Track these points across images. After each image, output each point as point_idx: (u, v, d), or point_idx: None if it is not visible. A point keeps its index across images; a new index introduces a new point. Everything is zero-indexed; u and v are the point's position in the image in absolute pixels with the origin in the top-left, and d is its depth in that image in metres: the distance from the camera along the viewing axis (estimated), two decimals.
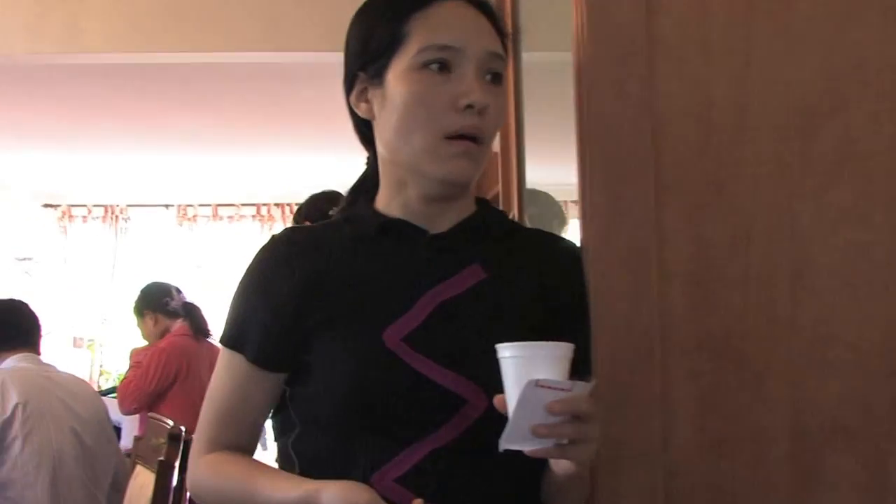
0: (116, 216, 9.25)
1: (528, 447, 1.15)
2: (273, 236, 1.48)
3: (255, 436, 1.47)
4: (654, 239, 1.44)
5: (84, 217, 9.30)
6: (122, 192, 9.11)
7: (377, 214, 1.43)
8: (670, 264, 1.45)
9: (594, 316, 1.42)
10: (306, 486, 1.27)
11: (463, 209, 1.44)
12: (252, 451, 1.48)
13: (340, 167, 3.07)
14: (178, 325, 4.50)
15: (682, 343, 1.44)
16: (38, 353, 3.40)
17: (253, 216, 9.24)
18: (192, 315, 4.58)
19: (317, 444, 1.39)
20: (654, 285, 1.44)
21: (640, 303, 1.43)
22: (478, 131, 1.35)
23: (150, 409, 4.14)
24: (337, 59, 1.48)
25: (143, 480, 2.66)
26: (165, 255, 8.95)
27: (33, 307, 3.44)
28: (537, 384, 1.11)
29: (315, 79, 5.00)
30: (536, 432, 1.12)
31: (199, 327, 4.55)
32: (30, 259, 8.47)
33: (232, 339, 1.44)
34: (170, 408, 4.09)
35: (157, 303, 4.55)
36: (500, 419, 1.15)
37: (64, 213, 9.28)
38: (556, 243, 1.53)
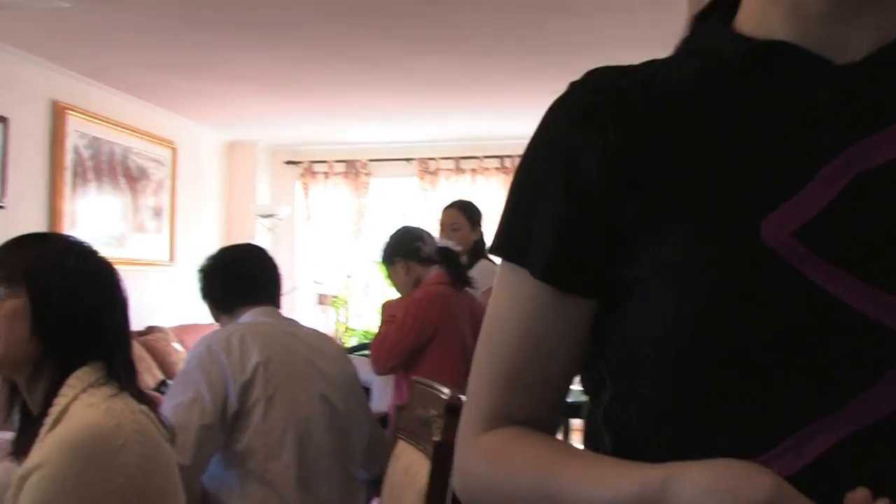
0: (358, 172, 9.14)
1: None
2: (573, 83, 0.97)
3: (556, 402, 0.98)
4: None
5: (326, 173, 9.23)
6: (363, 148, 9.02)
7: (742, 38, 0.91)
8: None
9: None
10: (647, 475, 0.78)
11: (888, 24, 0.87)
12: (554, 427, 0.99)
13: None
14: (434, 272, 3.99)
15: None
16: (279, 307, 3.03)
17: (497, 168, 8.92)
18: (449, 261, 4.07)
19: (643, 413, 0.89)
20: None
21: None
22: None
23: (407, 370, 3.73)
24: None
25: (408, 461, 2.25)
26: (408, 211, 8.74)
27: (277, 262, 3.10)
28: None
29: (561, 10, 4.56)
30: None
31: (457, 274, 4.03)
32: (273, 216, 8.43)
33: (509, 245, 0.96)
34: (426, 368, 3.64)
35: (409, 248, 4.06)
36: None
37: (306, 169, 9.25)
38: None
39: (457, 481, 1.01)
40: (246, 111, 7.66)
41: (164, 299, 7.30)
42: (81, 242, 1.86)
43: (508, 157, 8.75)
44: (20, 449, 1.72)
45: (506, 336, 0.95)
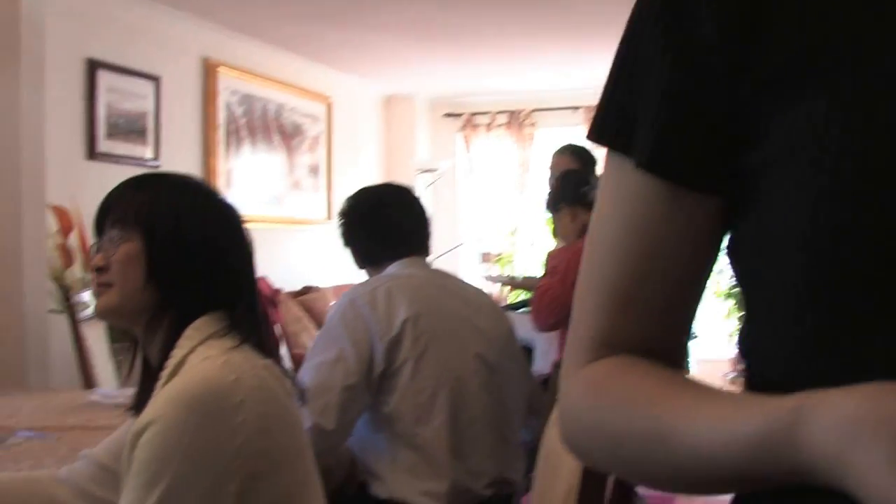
0: (521, 123, 8.86)
1: None
2: None
3: (679, 325, 0.81)
4: None
5: (488, 125, 9.01)
6: (526, 97, 8.75)
7: None
8: None
9: None
10: (775, 406, 0.62)
11: None
12: (679, 358, 0.80)
13: None
14: None
15: None
16: (427, 256, 2.76)
17: None
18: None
19: (782, 337, 0.71)
20: None
21: None
22: None
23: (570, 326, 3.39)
24: None
25: None
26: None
27: (438, 220, 2.82)
28: None
29: None
30: None
31: None
32: (433, 171, 8.23)
33: (608, 129, 0.79)
34: None
35: (575, 193, 3.72)
36: None
37: (467, 121, 9.06)
38: None
39: (559, 425, 0.83)
40: (402, 62, 7.49)
41: (322, 258, 7.23)
42: (200, 181, 1.69)
43: None
44: (139, 404, 1.59)
45: (610, 243, 0.79)
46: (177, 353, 1.52)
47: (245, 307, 1.61)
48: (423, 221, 2.75)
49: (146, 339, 1.62)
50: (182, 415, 1.39)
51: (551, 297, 3.48)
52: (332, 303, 6.48)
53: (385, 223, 2.70)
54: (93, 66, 5.03)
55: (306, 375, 2.45)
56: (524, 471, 2.66)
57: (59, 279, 3.91)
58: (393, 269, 2.63)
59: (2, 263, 3.82)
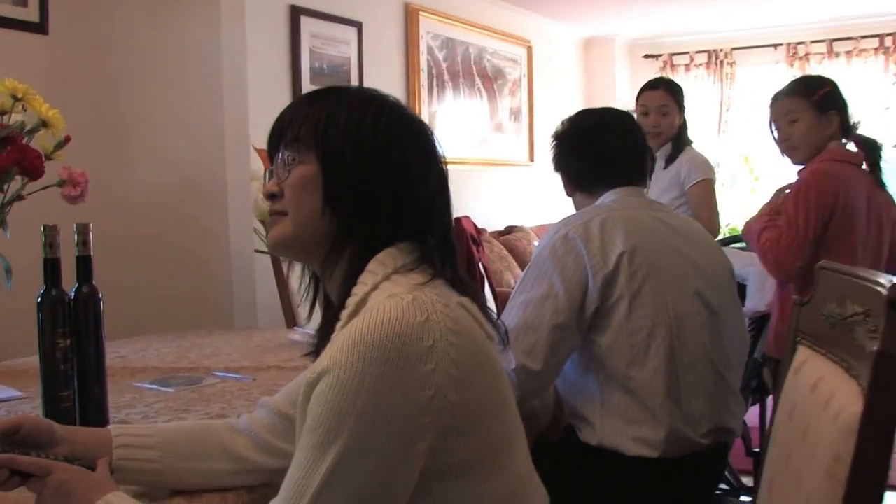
0: (721, 62, 8.32)
1: None
2: None
3: None
4: None
5: (687, 65, 8.59)
6: (725, 35, 8.27)
7: None
8: None
9: None
10: None
11: None
12: None
13: None
14: (833, 147, 3.12)
15: None
16: (646, 188, 2.41)
17: (875, 49, 7.77)
18: (869, 148, 3.14)
19: None
20: None
21: None
22: None
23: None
24: None
25: (815, 374, 1.49)
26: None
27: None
28: None
29: None
30: None
31: (872, 152, 3.10)
32: (634, 112, 7.78)
33: None
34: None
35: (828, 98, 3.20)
36: None
37: (666, 62, 8.66)
38: None
39: None
40: (601, 5, 7.17)
41: (524, 199, 7.00)
42: (385, 95, 1.37)
43: (889, 35, 7.59)
44: (318, 348, 1.35)
45: None
46: (358, 291, 1.25)
47: (437, 237, 1.32)
48: (642, 149, 2.41)
49: (325, 274, 1.36)
50: (361, 362, 1.12)
51: (786, 242, 2.93)
52: (536, 242, 6.28)
53: (603, 145, 2.36)
54: (296, 13, 4.88)
55: (512, 314, 2.17)
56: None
57: (263, 220, 3.76)
58: (607, 198, 2.30)
59: (209, 205, 3.68)
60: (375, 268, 1.26)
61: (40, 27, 3.30)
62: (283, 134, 1.33)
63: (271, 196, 1.34)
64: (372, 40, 5.50)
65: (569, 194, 2.45)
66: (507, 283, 5.65)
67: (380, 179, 1.28)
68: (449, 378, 1.14)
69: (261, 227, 3.81)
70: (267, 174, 1.38)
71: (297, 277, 1.46)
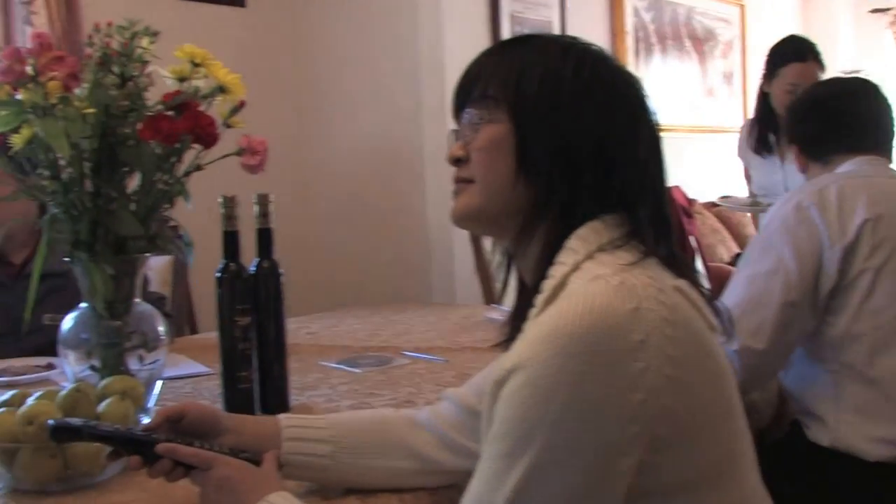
0: None
1: None
2: None
3: None
4: None
5: None
6: None
7: None
8: None
9: None
10: None
11: None
12: None
13: None
14: None
15: None
16: (890, 161, 2.14)
17: None
18: None
19: None
20: None
21: None
22: None
23: None
24: None
25: None
26: None
27: None
28: None
29: None
30: None
31: None
32: (859, 72, 7.24)
33: None
34: None
35: None
36: None
37: (895, 18, 7.92)
38: None
39: None
40: None
41: (738, 167, 6.59)
42: (587, 43, 1.17)
43: None
44: (510, 337, 1.13)
45: None
46: (555, 272, 1.04)
47: (650, 209, 1.11)
48: (887, 118, 2.12)
49: (517, 252, 1.17)
50: (558, 359, 0.93)
51: None
52: (751, 214, 5.90)
53: (840, 114, 2.12)
54: None
55: (735, 290, 1.95)
56: None
57: None
58: (845, 167, 2.02)
59: (406, 176, 3.58)
60: (576, 245, 1.05)
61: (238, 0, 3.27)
62: (470, 90, 1.15)
63: (456, 161, 1.15)
64: (575, 2, 5.25)
65: (802, 170, 2.20)
66: (720, 258, 5.32)
67: (582, 141, 1.08)
68: (664, 379, 0.93)
69: None
70: (452, 136, 1.20)
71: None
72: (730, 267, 4.65)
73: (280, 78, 3.63)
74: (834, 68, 7.34)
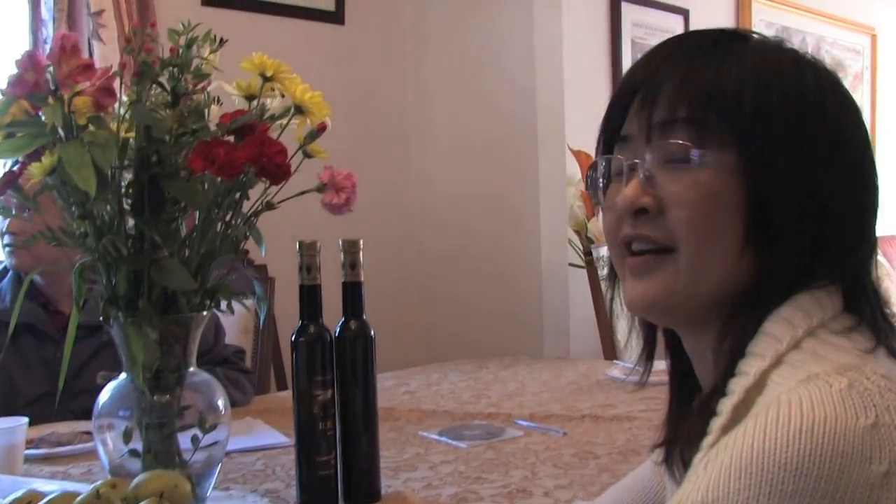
0: None
1: None
2: None
3: None
4: None
5: None
6: None
7: None
8: None
9: None
10: None
11: None
12: None
13: None
14: None
15: None
16: None
17: None
18: None
19: None
20: None
21: None
22: None
23: None
24: None
25: None
26: None
27: None
28: None
29: None
30: None
31: None
32: None
33: None
34: None
35: None
36: None
37: None
38: None
39: None
40: None
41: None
42: (796, 47, 0.80)
43: None
44: (670, 446, 0.82)
45: None
46: (748, 367, 0.71)
47: (863, 280, 0.77)
48: None
49: (688, 336, 0.82)
50: (766, 501, 0.60)
51: None
52: (879, 257, 5.34)
53: None
54: (616, 0, 4.29)
55: None
56: None
57: (580, 230, 3.27)
58: None
59: (518, 212, 3.23)
60: (778, 330, 0.71)
61: (336, 16, 3.00)
62: (650, 107, 0.77)
63: (640, 212, 0.77)
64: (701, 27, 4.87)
65: None
66: None
67: (834, 191, 0.75)
68: None
69: (576, 238, 3.31)
70: (611, 170, 0.82)
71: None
72: None
73: (383, 108, 3.33)
74: None
